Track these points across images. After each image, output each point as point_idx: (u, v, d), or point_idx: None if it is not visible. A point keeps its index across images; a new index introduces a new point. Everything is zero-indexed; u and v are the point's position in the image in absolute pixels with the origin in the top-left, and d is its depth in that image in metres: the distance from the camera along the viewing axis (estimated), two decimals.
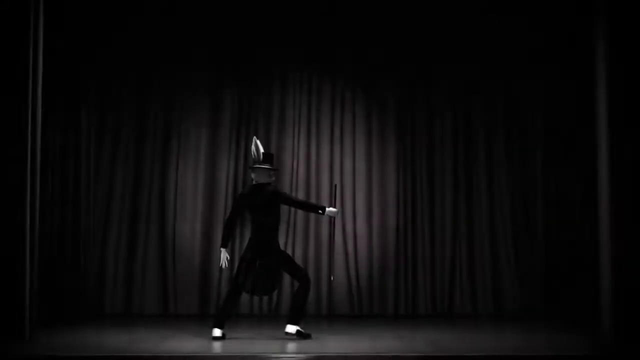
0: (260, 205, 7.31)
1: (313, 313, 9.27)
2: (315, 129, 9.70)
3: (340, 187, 9.45)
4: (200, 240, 9.46)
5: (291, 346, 6.84)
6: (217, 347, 6.83)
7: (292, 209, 9.28)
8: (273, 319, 8.97)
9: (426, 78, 9.75)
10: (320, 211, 7.46)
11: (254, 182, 7.42)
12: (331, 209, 7.44)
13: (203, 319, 8.80)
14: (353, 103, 9.73)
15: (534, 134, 9.70)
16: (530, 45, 9.66)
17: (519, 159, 9.68)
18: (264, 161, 7.35)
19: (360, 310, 9.44)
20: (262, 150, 7.38)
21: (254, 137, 7.66)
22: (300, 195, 9.50)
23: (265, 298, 9.22)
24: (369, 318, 9.25)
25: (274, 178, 7.49)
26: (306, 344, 6.93)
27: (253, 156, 7.40)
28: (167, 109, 9.59)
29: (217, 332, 7.15)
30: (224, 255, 7.40)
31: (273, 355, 6.42)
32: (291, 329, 7.20)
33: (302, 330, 7.23)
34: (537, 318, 9.11)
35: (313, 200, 9.48)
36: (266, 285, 7.33)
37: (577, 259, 9.42)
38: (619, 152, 6.97)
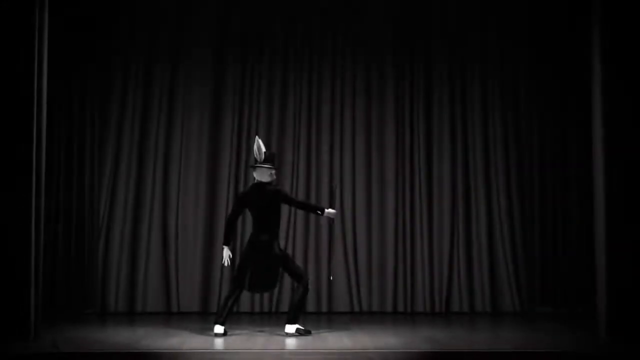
0: (261, 205, 7.43)
1: (313, 310, 9.37)
2: (315, 128, 9.78)
3: (340, 186, 9.55)
4: (202, 239, 9.53)
5: (292, 342, 6.95)
6: (219, 343, 6.93)
7: (293, 209, 9.36)
8: (274, 316, 9.08)
9: (426, 76, 9.84)
10: (319, 212, 7.60)
11: (255, 181, 7.54)
12: (330, 210, 7.57)
13: (205, 317, 8.91)
14: (353, 103, 9.80)
15: (531, 133, 9.77)
16: (529, 45, 9.76)
17: (516, 158, 9.75)
18: (266, 161, 7.47)
19: (359, 307, 9.53)
20: (263, 149, 7.49)
21: (256, 136, 7.78)
22: (301, 190, 9.59)
23: (266, 295, 9.30)
24: (368, 315, 9.34)
25: (275, 177, 7.60)
26: (306, 340, 7.04)
27: (255, 155, 7.52)
28: (169, 108, 9.65)
29: (219, 328, 7.26)
30: (226, 253, 7.53)
31: (274, 351, 6.52)
32: (290, 328, 7.31)
33: (302, 327, 7.34)
34: (535, 317, 9.18)
35: (313, 197, 9.58)
36: (266, 283, 7.46)
37: (575, 258, 9.52)
38: (614, 152, 7.01)
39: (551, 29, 9.68)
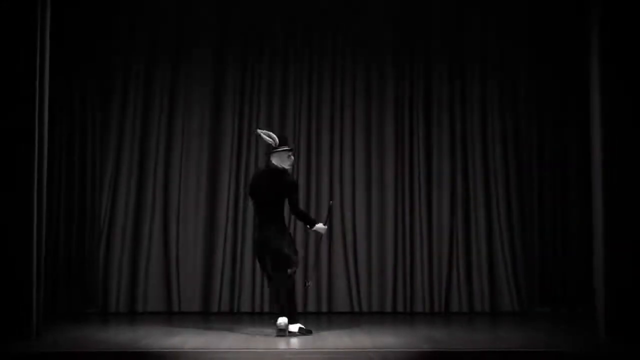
0: (270, 192, 7.25)
1: (313, 310, 9.39)
2: (315, 128, 9.79)
3: (340, 186, 9.61)
4: (203, 239, 9.55)
5: (293, 342, 6.97)
6: (220, 343, 6.94)
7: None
8: (274, 317, 9.06)
9: (426, 76, 9.85)
10: (308, 226, 7.55)
11: (270, 166, 7.34)
12: (319, 225, 7.49)
13: (206, 316, 8.95)
14: (353, 103, 9.82)
15: (531, 133, 9.79)
16: (529, 45, 9.78)
17: (515, 158, 9.77)
18: (282, 144, 7.31)
19: (359, 308, 9.54)
20: (273, 135, 7.36)
21: (257, 129, 7.69)
22: (300, 190, 9.55)
23: (266, 295, 9.27)
24: (367, 315, 9.36)
25: (292, 158, 7.50)
26: (307, 340, 7.06)
27: (269, 142, 7.31)
28: (170, 108, 9.66)
29: (293, 327, 7.22)
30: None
31: (275, 351, 6.54)
32: (293, 327, 7.29)
33: (303, 327, 7.35)
34: (534, 317, 9.20)
35: (313, 197, 9.63)
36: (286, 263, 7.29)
37: (574, 259, 9.54)
38: (613, 152, 7.02)
39: (551, 29, 9.70)
